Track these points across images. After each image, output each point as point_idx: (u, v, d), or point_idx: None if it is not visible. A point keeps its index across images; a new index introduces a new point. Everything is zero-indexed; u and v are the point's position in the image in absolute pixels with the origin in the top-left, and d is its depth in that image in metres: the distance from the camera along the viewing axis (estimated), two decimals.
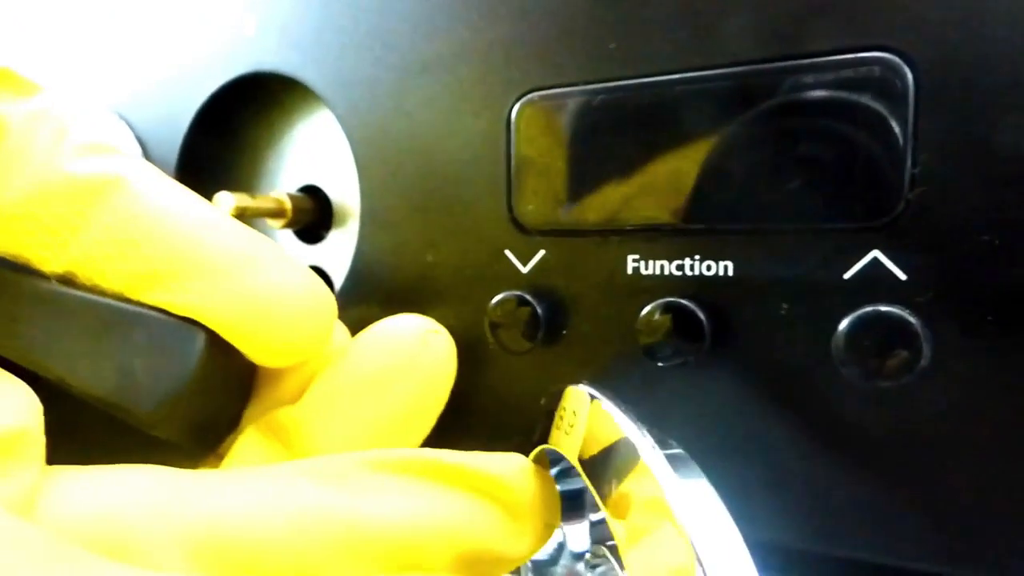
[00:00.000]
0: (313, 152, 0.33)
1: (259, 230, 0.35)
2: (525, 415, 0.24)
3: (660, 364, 0.20)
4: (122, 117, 0.33)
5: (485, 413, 0.25)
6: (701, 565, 0.14)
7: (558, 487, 0.22)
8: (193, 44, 0.31)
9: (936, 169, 0.17)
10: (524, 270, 0.23)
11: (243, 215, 0.29)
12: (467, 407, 0.24)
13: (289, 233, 0.34)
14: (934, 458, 0.18)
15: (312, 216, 0.33)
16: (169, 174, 0.32)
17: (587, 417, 0.19)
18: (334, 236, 0.33)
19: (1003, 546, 0.18)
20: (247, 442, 0.22)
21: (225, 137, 0.33)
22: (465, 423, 0.25)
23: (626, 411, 0.18)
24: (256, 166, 0.35)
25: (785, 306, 0.19)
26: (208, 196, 0.29)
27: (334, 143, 0.31)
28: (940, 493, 0.18)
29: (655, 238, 0.21)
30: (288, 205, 0.31)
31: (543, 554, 0.24)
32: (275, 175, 0.34)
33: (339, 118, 0.27)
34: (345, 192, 0.32)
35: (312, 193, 0.33)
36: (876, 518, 0.19)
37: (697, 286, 0.20)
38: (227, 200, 0.29)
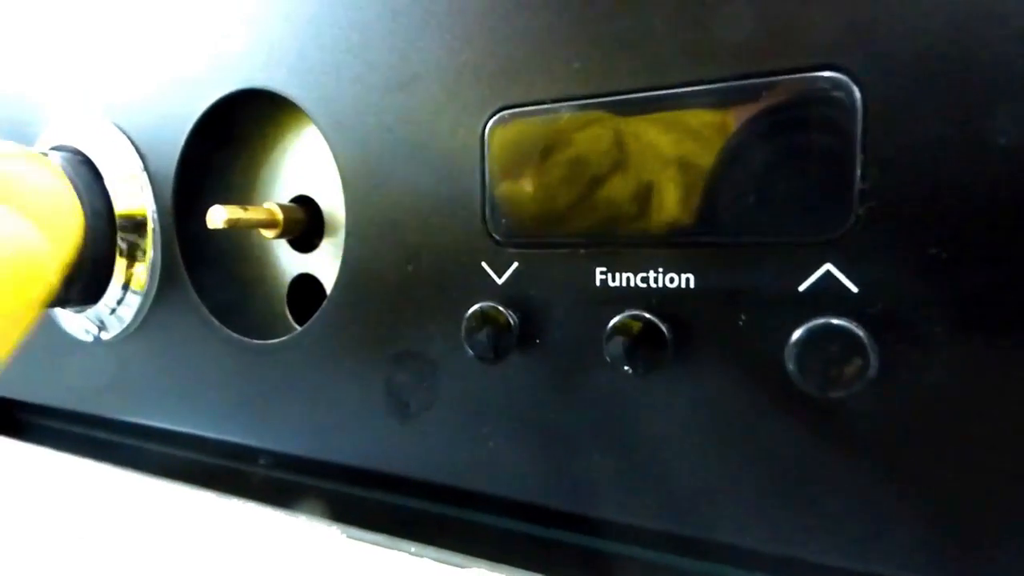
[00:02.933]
0: (306, 164, 0.34)
1: (253, 240, 0.36)
2: (499, 424, 0.24)
3: (628, 372, 0.21)
4: (120, 128, 0.34)
5: (462, 421, 0.26)
6: None
7: None
8: (188, 60, 0.32)
9: (884, 184, 0.18)
10: (499, 281, 0.24)
11: (236, 226, 0.30)
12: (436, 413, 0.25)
13: (283, 242, 0.35)
14: (884, 468, 0.18)
15: (304, 225, 0.34)
16: (168, 184, 0.34)
17: None
18: (326, 245, 0.34)
19: (962, 555, 0.18)
20: None
21: (223, 149, 0.34)
22: (432, 429, 0.26)
23: None
24: (253, 177, 0.35)
25: (743, 318, 0.20)
26: (207, 205, 0.30)
27: (324, 155, 0.32)
28: (887, 503, 0.19)
29: (620, 251, 0.21)
30: (280, 216, 0.32)
31: None
32: (271, 185, 0.35)
33: (324, 133, 0.28)
34: (335, 202, 0.33)
35: (304, 203, 0.34)
36: (821, 524, 0.19)
37: (661, 298, 0.21)
38: (219, 213, 0.29)
